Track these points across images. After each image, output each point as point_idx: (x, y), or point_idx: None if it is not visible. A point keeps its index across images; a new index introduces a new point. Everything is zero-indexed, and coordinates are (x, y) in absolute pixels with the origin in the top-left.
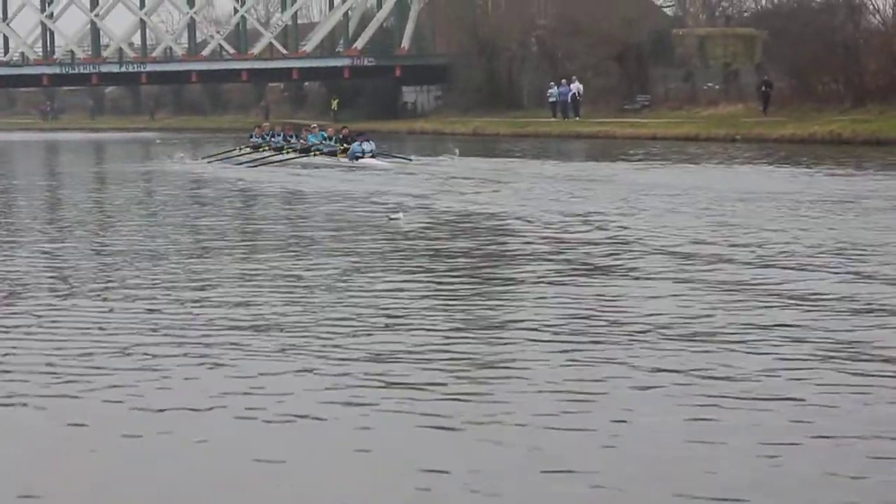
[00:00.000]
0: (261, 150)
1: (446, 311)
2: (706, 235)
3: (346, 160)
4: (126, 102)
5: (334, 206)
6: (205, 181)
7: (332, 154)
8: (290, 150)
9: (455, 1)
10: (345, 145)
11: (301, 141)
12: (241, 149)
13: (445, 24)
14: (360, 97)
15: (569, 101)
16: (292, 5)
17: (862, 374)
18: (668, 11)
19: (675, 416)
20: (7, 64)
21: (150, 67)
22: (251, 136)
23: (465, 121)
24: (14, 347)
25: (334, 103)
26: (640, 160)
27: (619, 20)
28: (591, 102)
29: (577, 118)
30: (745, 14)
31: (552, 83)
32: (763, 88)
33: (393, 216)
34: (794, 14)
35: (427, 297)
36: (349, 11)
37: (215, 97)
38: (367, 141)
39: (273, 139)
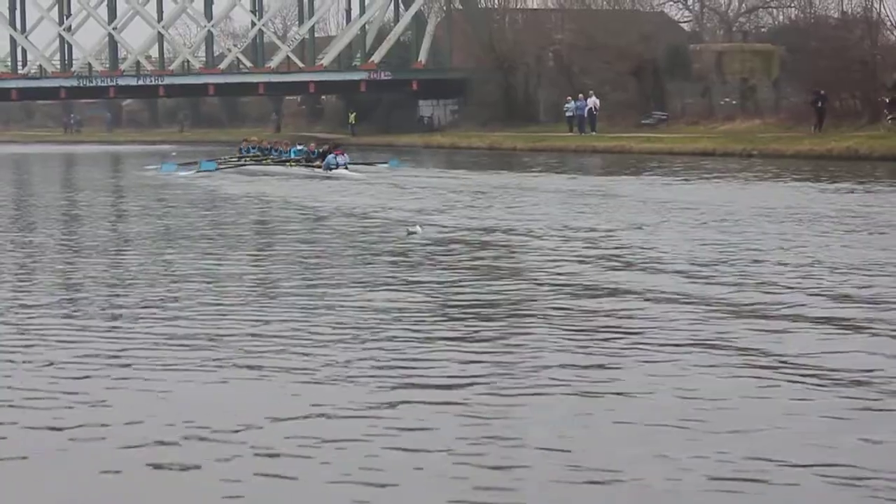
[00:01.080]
0: (247, 159)
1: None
2: (718, 253)
3: (322, 171)
4: (143, 115)
5: (347, 221)
6: (205, 192)
7: (310, 166)
8: (270, 161)
9: (472, 15)
10: (317, 161)
11: (282, 154)
12: (226, 159)
13: (462, 39)
14: (377, 111)
15: (585, 115)
16: (310, 19)
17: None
18: (686, 27)
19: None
20: (25, 76)
21: (167, 80)
22: (239, 150)
23: (482, 135)
24: None
25: (351, 117)
26: (655, 175)
27: (636, 35)
28: (607, 117)
29: (594, 133)
30: (763, 30)
31: (569, 98)
32: (819, 104)
33: (411, 230)
34: (812, 30)
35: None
36: (366, 25)
37: (232, 110)
38: (342, 154)
39: (257, 151)
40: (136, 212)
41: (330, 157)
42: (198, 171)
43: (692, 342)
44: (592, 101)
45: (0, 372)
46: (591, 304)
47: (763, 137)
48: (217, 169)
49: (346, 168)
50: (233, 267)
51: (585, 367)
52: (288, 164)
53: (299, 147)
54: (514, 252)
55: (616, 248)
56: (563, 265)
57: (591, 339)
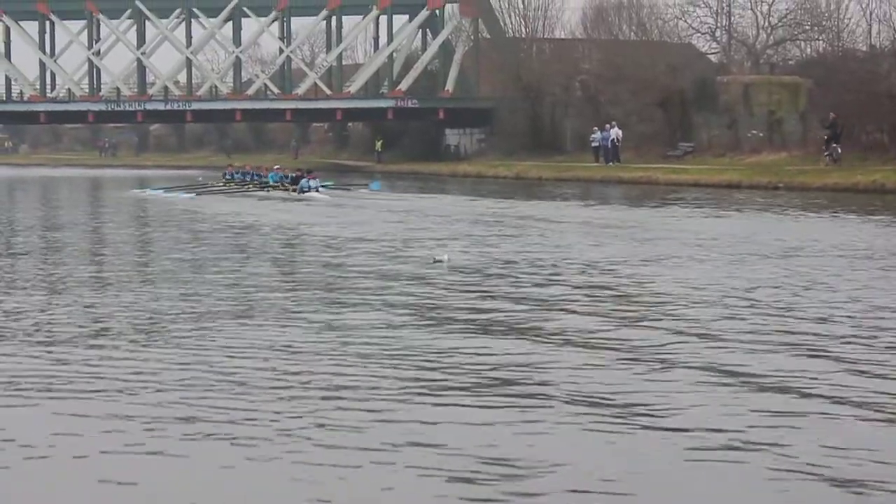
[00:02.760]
0: (230, 185)
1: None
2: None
3: (296, 193)
4: (171, 140)
5: (367, 248)
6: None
7: (286, 189)
8: (253, 184)
9: (499, 45)
10: (292, 185)
11: (262, 177)
12: (213, 183)
13: (489, 68)
14: (404, 138)
15: (609, 146)
16: (337, 46)
17: None
18: (713, 58)
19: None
20: (54, 100)
21: (195, 105)
22: (224, 175)
23: (508, 164)
24: None
25: (378, 144)
26: (681, 207)
27: (664, 66)
28: (633, 148)
29: (613, 164)
30: (790, 62)
31: (595, 128)
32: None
33: (438, 258)
34: (839, 63)
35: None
36: (394, 53)
37: (259, 136)
38: (314, 178)
39: (241, 176)
40: (162, 241)
41: (303, 180)
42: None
43: (723, 379)
44: (614, 132)
45: None
46: (617, 339)
47: (789, 170)
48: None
49: (318, 191)
50: (262, 298)
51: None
52: (268, 188)
53: (277, 171)
54: (543, 285)
55: (640, 281)
56: (594, 299)
57: (620, 376)
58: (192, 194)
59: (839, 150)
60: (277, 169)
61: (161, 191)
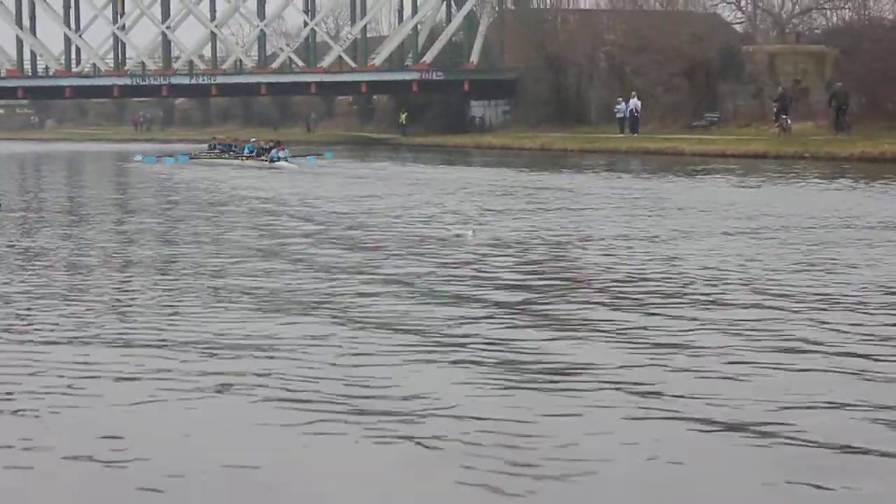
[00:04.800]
0: (212, 154)
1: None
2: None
3: (268, 163)
4: (196, 114)
5: (384, 221)
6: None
7: (260, 157)
8: (232, 155)
9: (524, 16)
10: (263, 156)
11: (240, 149)
12: (197, 153)
13: (514, 39)
14: (429, 111)
15: (627, 116)
16: (362, 19)
17: None
18: (738, 28)
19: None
20: (79, 74)
21: (220, 79)
22: (209, 146)
23: (533, 136)
24: None
25: (403, 117)
26: (709, 178)
27: (689, 36)
28: (659, 118)
29: (634, 135)
30: (816, 31)
31: (620, 98)
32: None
33: (458, 233)
34: (866, 31)
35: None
36: (418, 25)
37: (284, 109)
38: (283, 149)
39: (223, 147)
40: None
41: (273, 151)
42: (176, 161)
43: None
44: (633, 103)
45: None
46: (647, 319)
47: (816, 140)
48: (190, 160)
49: (287, 161)
50: (284, 273)
51: (639, 393)
52: (243, 157)
53: (252, 142)
54: (574, 262)
55: (671, 256)
56: (628, 274)
57: (645, 355)
58: (174, 160)
59: (788, 121)
60: (254, 141)
61: (152, 159)
